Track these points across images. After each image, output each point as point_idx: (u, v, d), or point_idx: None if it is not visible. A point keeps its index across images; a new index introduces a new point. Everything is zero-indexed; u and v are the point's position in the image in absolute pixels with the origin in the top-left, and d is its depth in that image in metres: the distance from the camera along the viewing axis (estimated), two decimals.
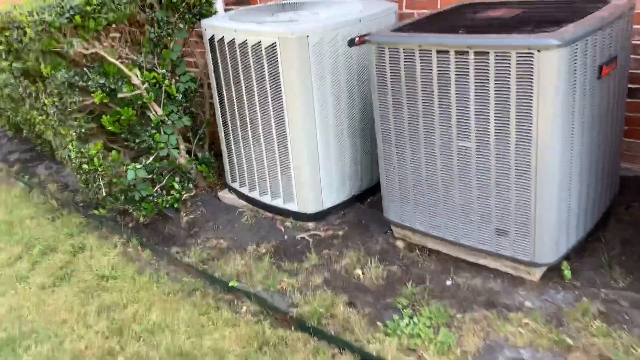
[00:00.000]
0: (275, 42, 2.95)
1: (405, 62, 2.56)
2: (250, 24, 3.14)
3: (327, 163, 3.28)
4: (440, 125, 2.56)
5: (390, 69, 2.64)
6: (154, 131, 3.56)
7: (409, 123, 2.68)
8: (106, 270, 3.37)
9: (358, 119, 3.34)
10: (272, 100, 3.14)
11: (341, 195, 3.43)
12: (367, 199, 3.61)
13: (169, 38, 3.60)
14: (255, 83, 3.17)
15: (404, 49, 2.54)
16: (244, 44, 3.11)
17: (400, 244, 3.09)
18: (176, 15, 3.60)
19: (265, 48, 3.00)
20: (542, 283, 2.63)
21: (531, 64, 2.19)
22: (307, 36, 2.94)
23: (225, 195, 3.87)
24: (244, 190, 3.67)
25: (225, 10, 4.12)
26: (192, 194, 3.89)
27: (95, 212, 3.85)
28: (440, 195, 2.72)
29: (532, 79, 2.21)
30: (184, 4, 3.58)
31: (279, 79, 3.04)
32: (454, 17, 2.82)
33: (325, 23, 3.02)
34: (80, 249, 3.67)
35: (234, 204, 3.80)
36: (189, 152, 3.94)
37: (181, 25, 3.66)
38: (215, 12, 3.83)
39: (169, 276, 3.26)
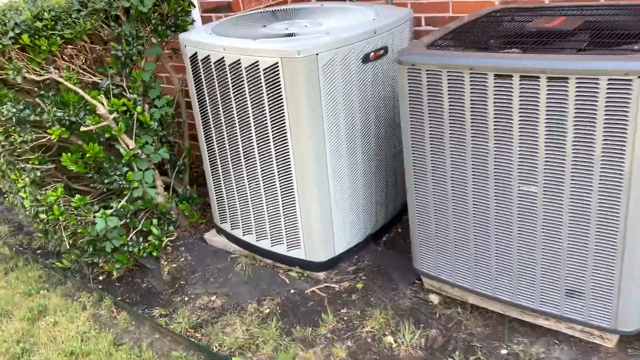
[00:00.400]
0: (277, 63, 2.40)
1: (450, 87, 2.04)
2: (243, 39, 2.57)
3: (340, 201, 2.74)
4: (496, 165, 2.05)
5: (429, 96, 2.12)
6: (125, 169, 2.95)
7: (452, 162, 2.17)
8: (75, 342, 2.76)
9: (373, 147, 2.82)
10: (272, 130, 2.58)
11: (355, 237, 2.90)
12: (382, 237, 3.09)
13: (140, 56, 2.99)
14: (251, 110, 2.61)
15: (448, 72, 2.02)
16: (236, 64, 2.54)
17: (434, 298, 2.58)
18: (147, 29, 3.00)
19: (264, 69, 2.45)
20: (620, 350, 2.17)
21: (628, 93, 1.70)
22: (317, 54, 2.39)
23: (213, 238, 3.29)
24: (237, 233, 3.10)
25: (203, 18, 3.52)
26: (173, 237, 3.30)
27: (58, 264, 3.23)
28: (493, 249, 2.22)
29: (627, 110, 1.73)
30: (156, 14, 2.98)
31: (281, 105, 2.49)
32: (495, 27, 2.32)
33: (336, 37, 2.47)
34: (40, 313, 3.04)
35: (224, 247, 3.23)
36: (166, 187, 3.34)
37: (154, 40, 3.06)
38: (192, 22, 3.24)
39: (154, 348, 2.68)
